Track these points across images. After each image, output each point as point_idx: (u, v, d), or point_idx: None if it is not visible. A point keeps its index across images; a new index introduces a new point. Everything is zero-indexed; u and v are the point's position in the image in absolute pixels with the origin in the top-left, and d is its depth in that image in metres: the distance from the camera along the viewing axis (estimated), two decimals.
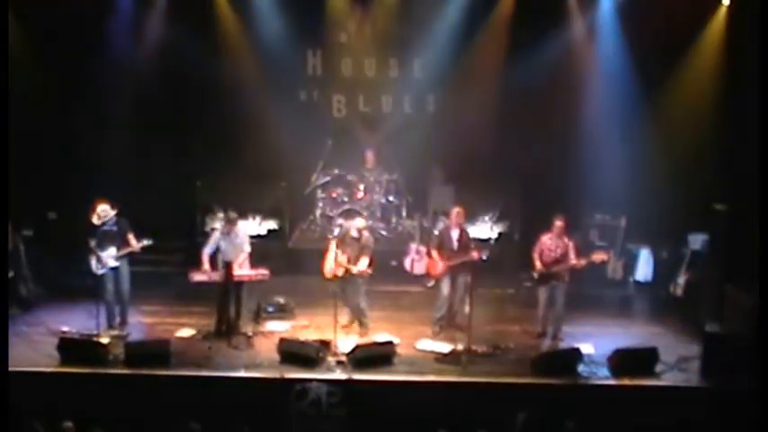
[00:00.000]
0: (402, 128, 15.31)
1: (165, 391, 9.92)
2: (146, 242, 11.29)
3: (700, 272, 12.64)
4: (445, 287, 11.60)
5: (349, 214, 14.13)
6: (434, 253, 11.68)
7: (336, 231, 13.81)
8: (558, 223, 11.29)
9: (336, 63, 15.41)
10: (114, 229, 11.20)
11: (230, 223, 11.50)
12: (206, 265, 11.32)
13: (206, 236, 13.17)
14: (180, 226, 14.39)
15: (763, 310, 9.47)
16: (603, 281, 13.56)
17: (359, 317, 11.43)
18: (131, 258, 11.47)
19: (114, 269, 11.28)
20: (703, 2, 13.76)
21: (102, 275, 11.24)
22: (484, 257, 11.24)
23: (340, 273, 11.17)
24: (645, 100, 13.93)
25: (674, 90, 13.97)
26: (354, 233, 11.34)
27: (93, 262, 11.22)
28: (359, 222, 11.61)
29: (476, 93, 14.58)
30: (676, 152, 13.70)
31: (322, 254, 11.51)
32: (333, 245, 11.41)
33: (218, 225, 13.76)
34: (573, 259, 11.21)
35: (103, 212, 11.14)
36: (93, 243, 11.16)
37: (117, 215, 11.23)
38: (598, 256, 11.33)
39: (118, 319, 11.44)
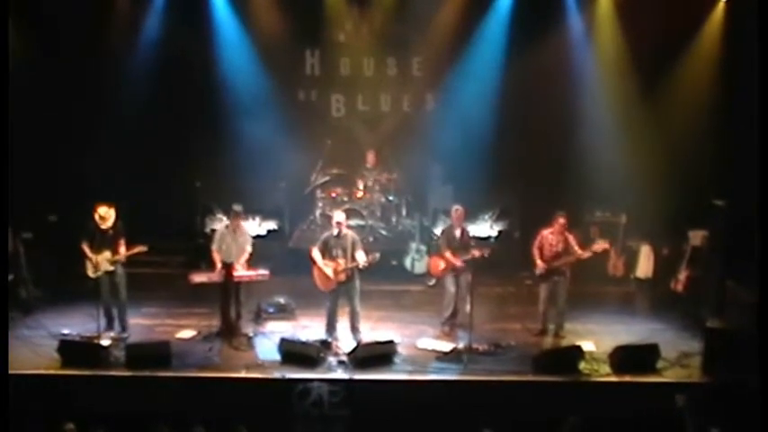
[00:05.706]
0: (401, 127, 15.30)
1: (166, 392, 9.91)
2: (138, 249, 11.20)
3: (700, 268, 12.61)
4: (451, 285, 11.54)
5: (348, 214, 14.06)
6: (448, 253, 11.52)
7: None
8: (561, 220, 11.30)
9: (335, 62, 15.43)
10: (111, 232, 11.14)
11: (236, 217, 11.47)
12: (219, 264, 11.22)
13: (206, 237, 13.18)
14: (180, 227, 14.37)
15: (764, 306, 9.44)
16: (604, 278, 13.53)
17: (353, 322, 11.17)
18: (131, 260, 11.42)
19: (110, 273, 11.22)
20: None
21: (99, 279, 11.20)
22: (485, 254, 11.20)
23: (343, 277, 10.95)
24: (644, 96, 13.92)
25: (672, 86, 13.94)
26: (335, 231, 11.02)
27: (88, 265, 11.18)
28: (339, 216, 11.24)
29: (474, 91, 14.56)
30: (675, 148, 13.66)
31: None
32: (316, 254, 11.05)
33: (217, 226, 13.74)
34: (576, 251, 11.21)
35: (104, 215, 11.09)
36: (86, 246, 11.13)
37: (116, 218, 11.18)
38: (599, 246, 11.36)
39: (117, 325, 11.38)
